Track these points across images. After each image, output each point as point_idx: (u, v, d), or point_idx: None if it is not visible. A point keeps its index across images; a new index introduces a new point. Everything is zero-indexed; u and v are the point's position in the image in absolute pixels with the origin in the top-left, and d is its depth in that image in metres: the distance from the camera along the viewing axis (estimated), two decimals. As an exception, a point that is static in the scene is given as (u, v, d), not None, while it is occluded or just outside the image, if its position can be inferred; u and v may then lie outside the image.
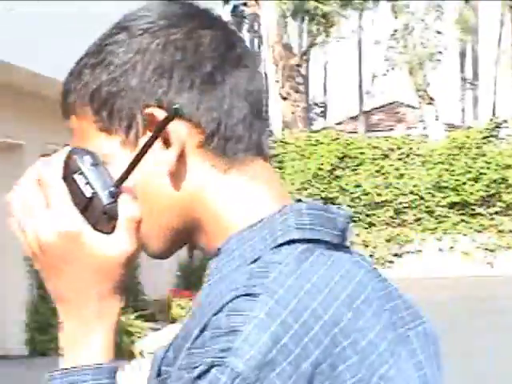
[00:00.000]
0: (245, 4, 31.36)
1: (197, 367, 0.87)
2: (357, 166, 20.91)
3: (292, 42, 27.95)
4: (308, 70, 31.49)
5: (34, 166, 1.02)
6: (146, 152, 0.98)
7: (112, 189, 0.99)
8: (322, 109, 42.13)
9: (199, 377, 0.87)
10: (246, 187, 1.00)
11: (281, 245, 0.96)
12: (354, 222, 19.34)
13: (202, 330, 0.89)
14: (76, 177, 0.99)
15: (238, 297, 0.89)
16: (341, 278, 0.95)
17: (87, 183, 0.99)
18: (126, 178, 0.99)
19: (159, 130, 0.97)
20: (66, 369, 0.99)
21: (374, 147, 20.98)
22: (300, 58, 26.79)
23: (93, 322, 0.99)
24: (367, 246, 20.44)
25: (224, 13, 19.16)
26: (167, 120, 0.97)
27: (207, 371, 0.86)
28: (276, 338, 0.87)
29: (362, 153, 20.90)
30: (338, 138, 21.12)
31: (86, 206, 0.99)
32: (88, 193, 0.99)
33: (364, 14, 32.40)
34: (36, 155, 6.88)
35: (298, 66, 25.97)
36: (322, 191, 20.68)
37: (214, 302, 0.91)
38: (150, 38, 1.00)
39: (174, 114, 0.97)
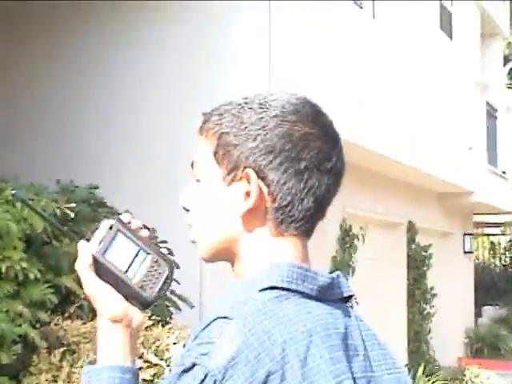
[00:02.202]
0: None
1: (185, 364, 1.25)
2: None
3: None
4: None
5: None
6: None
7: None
8: None
9: (185, 371, 1.24)
10: (278, 251, 1.36)
11: (265, 289, 1.30)
12: None
13: (193, 340, 1.27)
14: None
15: (218, 318, 1.26)
16: (306, 317, 1.26)
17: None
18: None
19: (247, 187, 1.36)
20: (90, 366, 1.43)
21: None
22: None
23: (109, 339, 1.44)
24: None
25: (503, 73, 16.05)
26: (257, 183, 1.35)
27: (191, 368, 1.24)
28: (239, 350, 1.22)
29: None
30: None
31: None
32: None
33: None
34: (337, 220, 6.99)
35: None
36: None
37: (204, 321, 1.27)
38: (277, 123, 1.35)
39: (263, 183, 1.35)
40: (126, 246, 1.45)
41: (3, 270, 4.53)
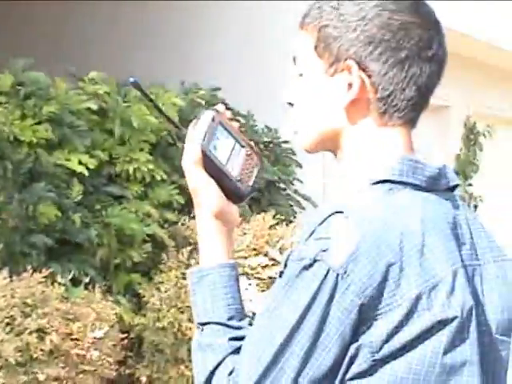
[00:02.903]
0: None
1: (304, 259, 1.26)
2: None
3: None
4: None
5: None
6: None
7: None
8: None
9: (305, 268, 1.26)
10: (384, 142, 1.38)
11: (377, 183, 1.33)
12: None
13: (310, 235, 1.28)
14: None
15: (336, 213, 1.27)
16: (419, 208, 1.28)
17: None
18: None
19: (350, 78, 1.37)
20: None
21: None
22: None
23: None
24: None
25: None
26: (359, 74, 1.36)
27: (311, 265, 1.25)
28: (359, 244, 1.24)
29: None
30: None
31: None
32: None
33: None
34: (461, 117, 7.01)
35: None
36: None
37: (320, 216, 1.29)
38: (376, 13, 1.36)
39: (365, 74, 1.36)
40: (225, 138, 1.43)
41: (131, 171, 4.67)
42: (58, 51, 7.40)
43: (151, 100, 1.47)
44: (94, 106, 4.59)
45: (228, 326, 1.37)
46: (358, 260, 1.24)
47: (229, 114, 1.47)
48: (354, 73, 1.37)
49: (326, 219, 1.28)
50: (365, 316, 1.25)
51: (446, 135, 8.73)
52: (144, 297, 4.55)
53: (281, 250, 4.72)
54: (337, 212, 1.28)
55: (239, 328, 1.37)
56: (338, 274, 1.24)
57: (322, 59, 1.40)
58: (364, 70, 1.37)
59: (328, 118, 1.41)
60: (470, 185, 9.13)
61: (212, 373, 1.33)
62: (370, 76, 1.37)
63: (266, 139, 5.84)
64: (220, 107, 1.47)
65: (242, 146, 1.45)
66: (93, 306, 3.98)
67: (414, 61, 1.37)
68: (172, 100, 4.88)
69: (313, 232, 1.28)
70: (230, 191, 1.43)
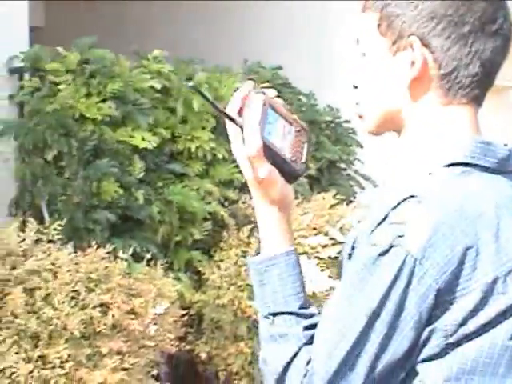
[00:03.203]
0: None
1: (380, 245, 1.24)
2: None
3: None
4: None
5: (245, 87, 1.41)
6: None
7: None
8: None
9: (382, 254, 1.24)
10: (451, 121, 1.36)
11: (448, 165, 1.31)
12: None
13: (383, 220, 1.26)
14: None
15: (409, 197, 1.26)
16: (492, 191, 1.27)
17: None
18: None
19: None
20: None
21: None
22: None
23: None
24: None
25: None
26: (421, 51, 1.34)
27: (388, 250, 1.24)
28: (435, 229, 1.23)
29: None
30: None
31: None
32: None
33: None
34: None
35: None
36: None
37: (392, 200, 1.27)
38: None
39: (427, 50, 1.34)
40: (275, 120, 1.41)
41: (192, 149, 4.70)
42: (120, 31, 7.46)
43: (211, 102, 1.44)
44: (158, 85, 4.62)
45: (300, 315, 1.36)
46: (435, 245, 1.24)
47: (273, 92, 1.44)
48: (416, 49, 1.35)
49: (399, 204, 1.26)
50: (441, 300, 1.25)
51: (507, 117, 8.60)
52: (204, 274, 4.59)
53: (341, 230, 4.72)
54: (411, 196, 1.26)
55: (311, 316, 1.36)
56: (415, 259, 1.23)
57: (385, 37, 1.38)
58: (427, 46, 1.35)
59: (392, 97, 1.39)
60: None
61: (289, 363, 1.32)
62: (433, 52, 1.35)
63: (327, 118, 5.83)
64: (269, 91, 1.43)
65: (291, 124, 1.44)
66: (154, 282, 4.03)
67: (477, 36, 1.34)
68: (235, 85, 4.89)
69: (386, 216, 1.26)
70: (287, 173, 1.42)
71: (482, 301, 1.25)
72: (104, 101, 4.38)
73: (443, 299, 1.25)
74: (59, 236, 3.88)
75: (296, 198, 4.99)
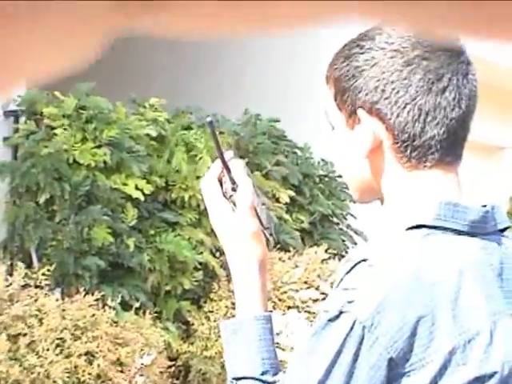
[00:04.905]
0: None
1: (330, 311, 1.20)
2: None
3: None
4: None
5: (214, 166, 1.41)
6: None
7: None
8: None
9: (331, 320, 1.19)
10: (417, 186, 1.29)
11: (412, 228, 1.24)
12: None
13: (338, 285, 1.22)
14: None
15: (361, 261, 1.20)
16: (456, 255, 1.20)
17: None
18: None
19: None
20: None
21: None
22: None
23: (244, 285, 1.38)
24: None
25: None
26: (370, 123, 1.29)
27: (337, 316, 1.19)
28: (387, 295, 1.17)
29: None
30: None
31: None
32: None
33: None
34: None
35: None
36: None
37: (348, 265, 1.22)
38: (381, 56, 1.27)
39: (378, 120, 1.28)
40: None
41: (186, 198, 4.68)
42: (119, 78, 7.48)
43: (218, 145, 1.42)
44: (153, 133, 4.62)
45: (262, 381, 1.33)
46: (384, 312, 1.16)
47: (231, 153, 1.42)
48: (364, 122, 1.29)
49: (353, 268, 1.21)
50: (395, 372, 1.18)
51: (500, 176, 8.62)
52: (193, 325, 4.54)
53: (332, 284, 4.69)
54: (363, 261, 1.21)
55: (273, 383, 1.32)
56: (364, 327, 1.17)
57: (341, 111, 1.33)
58: (378, 116, 1.28)
59: (359, 170, 1.34)
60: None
61: None
62: (384, 122, 1.28)
63: (321, 172, 5.83)
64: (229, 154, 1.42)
65: (259, 196, 1.44)
66: (142, 331, 3.98)
67: (425, 97, 1.26)
68: (233, 129, 4.89)
69: (341, 281, 1.22)
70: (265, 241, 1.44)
71: (440, 373, 1.17)
72: (99, 147, 4.37)
73: (398, 371, 1.18)
74: (47, 281, 3.84)
75: (288, 251, 4.97)
